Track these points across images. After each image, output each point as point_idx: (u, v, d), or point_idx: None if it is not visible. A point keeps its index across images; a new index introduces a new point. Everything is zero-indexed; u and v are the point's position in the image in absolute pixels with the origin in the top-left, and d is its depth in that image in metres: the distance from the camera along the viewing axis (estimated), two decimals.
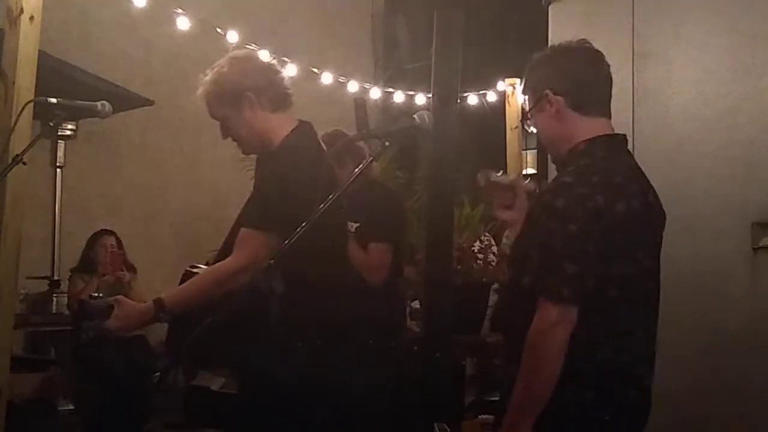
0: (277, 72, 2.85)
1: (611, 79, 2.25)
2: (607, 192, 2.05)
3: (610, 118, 2.24)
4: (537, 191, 2.38)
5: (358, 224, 3.79)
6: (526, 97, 2.29)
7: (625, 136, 2.24)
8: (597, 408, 2.06)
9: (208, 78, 2.80)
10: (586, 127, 2.18)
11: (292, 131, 2.77)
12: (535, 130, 2.30)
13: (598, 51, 2.25)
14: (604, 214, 2.02)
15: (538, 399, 1.99)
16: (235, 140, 2.83)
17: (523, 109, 2.35)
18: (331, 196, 2.15)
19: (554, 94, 2.18)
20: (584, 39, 2.26)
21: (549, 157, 2.33)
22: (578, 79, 2.20)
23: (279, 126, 2.77)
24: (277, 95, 2.79)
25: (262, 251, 2.55)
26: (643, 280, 2.13)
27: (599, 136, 2.18)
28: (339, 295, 2.78)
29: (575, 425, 2.05)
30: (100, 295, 2.68)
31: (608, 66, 2.24)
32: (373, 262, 3.78)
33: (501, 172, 2.50)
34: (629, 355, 2.09)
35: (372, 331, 3.69)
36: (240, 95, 2.74)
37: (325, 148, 2.97)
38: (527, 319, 2.02)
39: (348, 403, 2.93)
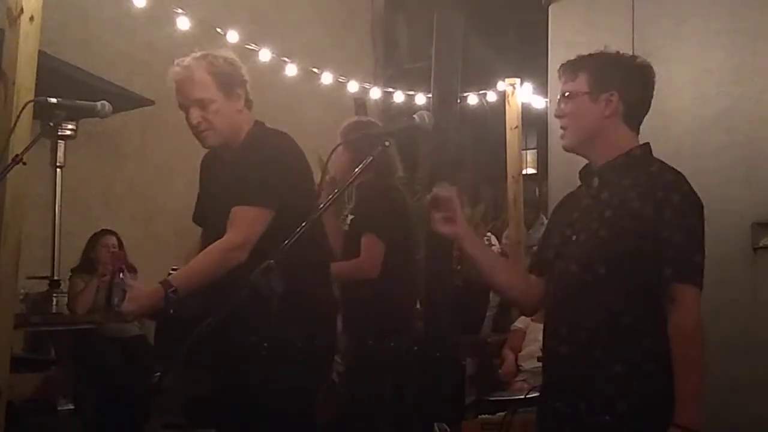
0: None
1: None
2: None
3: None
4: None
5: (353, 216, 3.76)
6: (577, 78, 2.26)
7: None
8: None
9: (198, 57, 2.80)
10: (633, 137, 2.28)
11: (253, 126, 2.84)
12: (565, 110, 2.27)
13: None
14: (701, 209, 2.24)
15: (703, 379, 2.16)
16: (205, 129, 2.79)
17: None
18: (331, 196, 2.16)
19: (619, 98, 2.22)
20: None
21: (583, 158, 2.31)
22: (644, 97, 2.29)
23: (246, 123, 2.84)
24: (249, 94, 2.85)
25: (256, 226, 2.61)
26: None
27: (644, 144, 2.28)
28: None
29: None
30: (125, 274, 2.62)
31: None
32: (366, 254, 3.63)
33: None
34: None
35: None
36: (236, 84, 2.79)
37: None
38: (609, 305, 2.16)
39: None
